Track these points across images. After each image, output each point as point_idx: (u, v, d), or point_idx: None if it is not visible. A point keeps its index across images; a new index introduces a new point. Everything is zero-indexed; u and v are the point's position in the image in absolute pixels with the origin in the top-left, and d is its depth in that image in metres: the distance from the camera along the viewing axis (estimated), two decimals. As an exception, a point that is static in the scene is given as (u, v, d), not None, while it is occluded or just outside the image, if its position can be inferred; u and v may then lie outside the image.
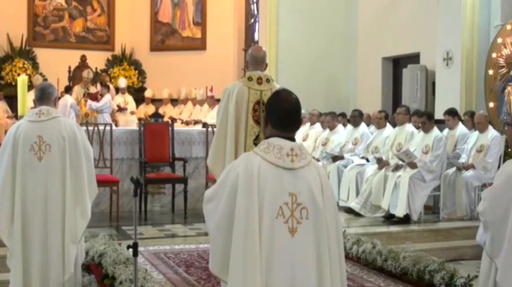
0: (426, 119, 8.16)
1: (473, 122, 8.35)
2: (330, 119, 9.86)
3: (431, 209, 8.44)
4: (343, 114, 10.51)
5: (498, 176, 3.31)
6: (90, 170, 4.59)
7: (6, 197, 4.38)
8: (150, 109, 14.19)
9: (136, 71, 15.85)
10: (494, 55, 9.22)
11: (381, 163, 8.31)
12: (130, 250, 3.88)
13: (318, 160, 9.13)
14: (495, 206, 3.24)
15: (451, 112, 8.60)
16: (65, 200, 4.40)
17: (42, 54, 15.17)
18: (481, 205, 3.38)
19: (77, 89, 13.37)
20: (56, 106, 4.64)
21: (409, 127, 8.52)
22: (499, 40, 9.17)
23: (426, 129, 8.12)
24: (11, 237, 4.36)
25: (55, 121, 4.46)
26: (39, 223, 4.36)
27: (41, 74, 14.23)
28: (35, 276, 4.35)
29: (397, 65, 12.20)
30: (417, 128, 8.45)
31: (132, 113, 13.78)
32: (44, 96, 4.53)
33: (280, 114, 2.74)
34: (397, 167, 8.00)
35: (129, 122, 13.28)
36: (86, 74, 13.62)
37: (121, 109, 13.62)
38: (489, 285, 3.28)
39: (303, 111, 3.11)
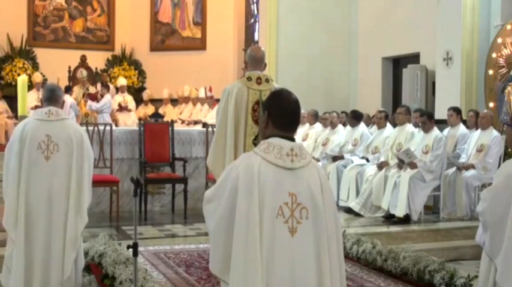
0: (426, 119, 8.16)
1: (477, 119, 8.36)
2: (335, 116, 9.89)
3: (431, 209, 8.44)
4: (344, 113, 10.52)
5: (497, 176, 3.31)
6: (90, 176, 4.62)
7: (13, 194, 4.39)
8: (150, 109, 14.20)
9: (136, 71, 15.86)
10: (494, 55, 9.22)
11: (381, 164, 8.32)
12: (130, 250, 3.88)
13: (317, 160, 9.14)
14: (494, 206, 3.24)
15: (456, 109, 8.66)
16: (69, 201, 4.41)
17: (42, 54, 15.17)
18: (480, 205, 3.38)
19: (77, 90, 13.38)
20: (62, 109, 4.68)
21: (409, 127, 8.52)
22: (499, 40, 9.17)
23: (426, 129, 8.12)
24: (17, 233, 4.37)
25: (64, 123, 4.50)
26: (43, 222, 4.37)
27: (41, 73, 14.23)
28: (36, 274, 4.35)
29: (397, 65, 12.20)
30: (417, 126, 8.45)
31: (129, 110, 13.77)
32: (54, 98, 4.57)
33: (281, 115, 2.74)
34: (400, 166, 7.98)
35: (129, 121, 13.32)
36: (80, 73, 13.64)
37: (122, 108, 13.63)
38: (488, 285, 3.28)
39: (302, 111, 3.11)
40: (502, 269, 3.18)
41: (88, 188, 4.59)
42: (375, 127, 9.42)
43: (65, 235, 4.41)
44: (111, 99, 12.95)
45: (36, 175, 4.38)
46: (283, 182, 2.63)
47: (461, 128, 8.63)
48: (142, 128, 8.28)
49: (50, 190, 4.38)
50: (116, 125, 12.66)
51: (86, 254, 5.32)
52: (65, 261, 4.42)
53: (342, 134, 9.72)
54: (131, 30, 15.96)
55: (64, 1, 15.74)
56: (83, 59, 14.88)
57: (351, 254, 5.98)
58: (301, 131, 10.36)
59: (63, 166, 4.41)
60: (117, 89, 14.19)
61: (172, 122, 9.04)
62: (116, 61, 15.86)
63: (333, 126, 9.87)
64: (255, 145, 4.04)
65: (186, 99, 14.22)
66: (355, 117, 9.55)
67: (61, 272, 4.41)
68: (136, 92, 15.19)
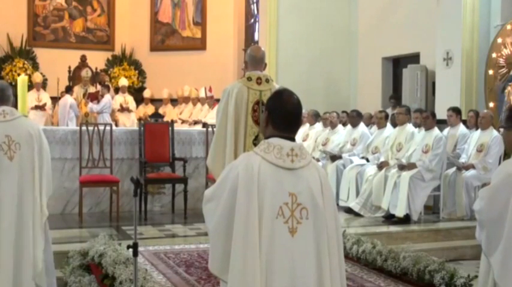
0: (430, 115, 8.19)
1: (477, 119, 8.37)
2: (335, 116, 9.89)
3: (431, 209, 8.44)
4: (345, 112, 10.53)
5: (496, 176, 3.31)
6: (49, 170, 4.62)
7: None
8: (150, 109, 14.21)
9: (136, 71, 15.86)
10: (494, 55, 9.22)
11: (381, 164, 8.32)
12: (130, 250, 3.88)
13: (317, 160, 9.13)
14: (492, 205, 3.25)
15: (455, 109, 8.67)
16: (35, 197, 4.41)
17: (42, 54, 15.18)
18: (477, 203, 3.39)
19: (77, 89, 13.40)
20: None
21: (409, 127, 8.53)
22: (499, 40, 9.17)
23: (428, 126, 8.12)
24: None
25: (20, 121, 4.51)
26: (13, 223, 4.34)
27: (41, 73, 14.24)
28: (7, 277, 4.30)
29: (397, 65, 12.21)
30: (417, 126, 8.45)
31: (130, 111, 13.79)
32: (4, 97, 4.55)
33: (282, 115, 2.73)
34: (401, 167, 8.00)
35: (129, 121, 13.33)
36: (85, 73, 13.65)
37: (123, 109, 13.64)
38: (488, 284, 3.28)
39: (303, 111, 3.11)
40: (501, 269, 3.18)
41: (47, 182, 4.57)
42: (375, 127, 9.42)
43: (34, 232, 4.39)
44: (111, 100, 12.96)
45: (3, 177, 4.34)
46: (283, 182, 2.62)
47: (461, 128, 8.63)
48: (142, 128, 8.28)
49: (19, 190, 4.37)
50: (116, 125, 12.67)
51: (86, 254, 5.34)
52: (37, 257, 4.41)
53: (342, 134, 9.72)
54: (131, 30, 15.97)
55: (64, 1, 15.76)
56: (83, 59, 14.88)
57: (351, 254, 5.98)
58: (301, 131, 10.35)
59: (27, 163, 4.43)
60: (118, 89, 14.20)
61: (172, 122, 9.04)
62: (116, 61, 15.87)
63: (333, 126, 9.88)
64: (255, 145, 4.03)
65: (186, 99, 14.23)
66: (358, 115, 9.56)
67: (32, 271, 4.40)
68: (136, 92, 15.20)
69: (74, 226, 7.25)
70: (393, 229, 7.45)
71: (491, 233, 3.25)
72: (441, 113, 8.92)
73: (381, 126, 9.04)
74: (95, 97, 12.78)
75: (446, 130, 8.65)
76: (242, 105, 4.55)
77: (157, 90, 15.02)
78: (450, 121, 8.66)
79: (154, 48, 16.08)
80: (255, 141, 4.47)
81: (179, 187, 8.15)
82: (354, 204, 8.29)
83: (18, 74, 13.69)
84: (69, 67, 14.43)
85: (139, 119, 12.93)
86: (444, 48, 9.85)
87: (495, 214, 3.22)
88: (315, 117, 10.67)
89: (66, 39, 15.76)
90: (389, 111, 10.29)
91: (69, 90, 13.17)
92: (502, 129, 3.38)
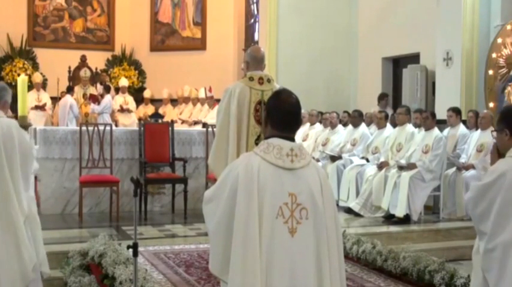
0: (429, 115, 8.19)
1: (477, 119, 8.37)
2: (335, 116, 9.89)
3: (431, 209, 8.44)
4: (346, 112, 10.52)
5: (490, 174, 3.33)
6: (28, 168, 4.54)
7: None
8: (150, 109, 14.21)
9: (136, 71, 15.86)
10: (494, 55, 9.22)
11: (381, 164, 8.32)
12: (130, 250, 3.88)
13: (317, 160, 9.14)
14: (478, 201, 3.29)
15: (455, 109, 8.67)
16: (10, 195, 4.33)
17: (42, 54, 15.19)
18: (467, 194, 3.43)
19: (77, 90, 13.41)
20: (4, 109, 4.66)
21: (409, 127, 8.52)
22: (499, 40, 9.17)
23: (427, 126, 8.12)
24: None
25: None
26: None
27: (41, 73, 14.24)
28: None
29: (397, 65, 12.20)
30: (417, 126, 8.45)
31: (130, 111, 13.79)
32: None
33: (281, 115, 2.73)
34: (401, 168, 8.00)
35: (129, 121, 13.33)
36: (83, 73, 13.66)
37: (123, 110, 13.64)
38: (481, 277, 3.33)
39: (302, 111, 3.11)
40: (485, 262, 3.25)
41: (27, 181, 4.50)
42: (374, 127, 9.42)
43: (15, 234, 4.30)
44: (111, 100, 12.97)
45: None
46: (283, 183, 2.63)
47: (461, 128, 8.63)
48: (142, 128, 8.28)
49: None
50: (116, 126, 12.68)
51: (86, 254, 5.33)
52: (28, 250, 4.35)
53: (342, 134, 9.72)
54: (131, 30, 15.97)
55: (64, 1, 15.76)
56: (83, 59, 14.88)
57: (351, 254, 5.98)
58: (301, 131, 10.36)
59: None
60: (118, 90, 14.20)
61: (172, 122, 9.04)
62: (116, 61, 15.86)
63: (333, 126, 9.88)
64: (257, 145, 4.04)
65: (186, 100, 14.23)
66: (360, 116, 9.57)
67: (18, 273, 4.31)
68: (136, 92, 15.20)
69: (74, 226, 7.25)
70: (393, 229, 7.45)
71: (477, 226, 3.32)
72: (441, 113, 8.92)
73: (381, 126, 9.04)
74: (96, 99, 12.80)
75: (446, 130, 8.65)
76: (244, 105, 4.55)
77: (157, 90, 15.02)
78: (450, 121, 8.67)
79: (154, 48, 16.08)
80: (257, 141, 4.46)
81: (179, 187, 8.15)
82: (354, 204, 8.29)
83: (18, 74, 13.69)
84: (69, 67, 14.43)
85: (140, 119, 12.93)
86: (444, 49, 9.84)
87: (480, 210, 3.28)
88: (315, 117, 10.67)
89: (66, 39, 15.76)
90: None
91: (70, 90, 13.18)
92: (495, 133, 3.37)
